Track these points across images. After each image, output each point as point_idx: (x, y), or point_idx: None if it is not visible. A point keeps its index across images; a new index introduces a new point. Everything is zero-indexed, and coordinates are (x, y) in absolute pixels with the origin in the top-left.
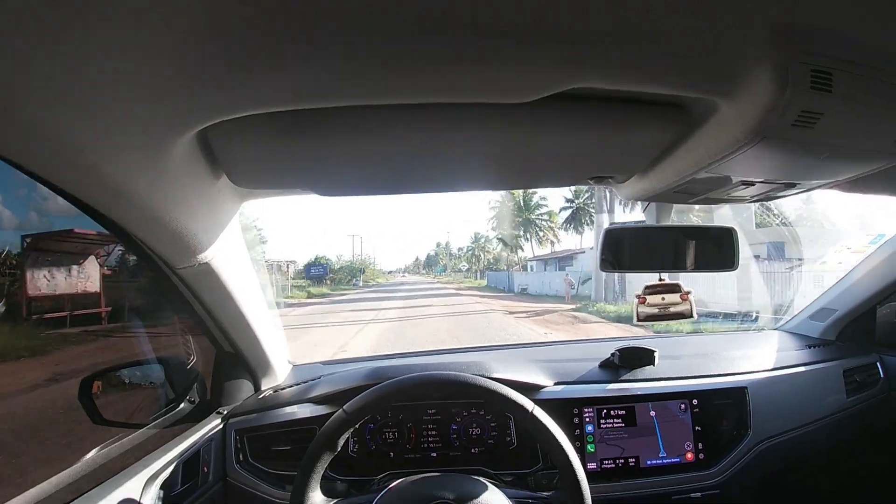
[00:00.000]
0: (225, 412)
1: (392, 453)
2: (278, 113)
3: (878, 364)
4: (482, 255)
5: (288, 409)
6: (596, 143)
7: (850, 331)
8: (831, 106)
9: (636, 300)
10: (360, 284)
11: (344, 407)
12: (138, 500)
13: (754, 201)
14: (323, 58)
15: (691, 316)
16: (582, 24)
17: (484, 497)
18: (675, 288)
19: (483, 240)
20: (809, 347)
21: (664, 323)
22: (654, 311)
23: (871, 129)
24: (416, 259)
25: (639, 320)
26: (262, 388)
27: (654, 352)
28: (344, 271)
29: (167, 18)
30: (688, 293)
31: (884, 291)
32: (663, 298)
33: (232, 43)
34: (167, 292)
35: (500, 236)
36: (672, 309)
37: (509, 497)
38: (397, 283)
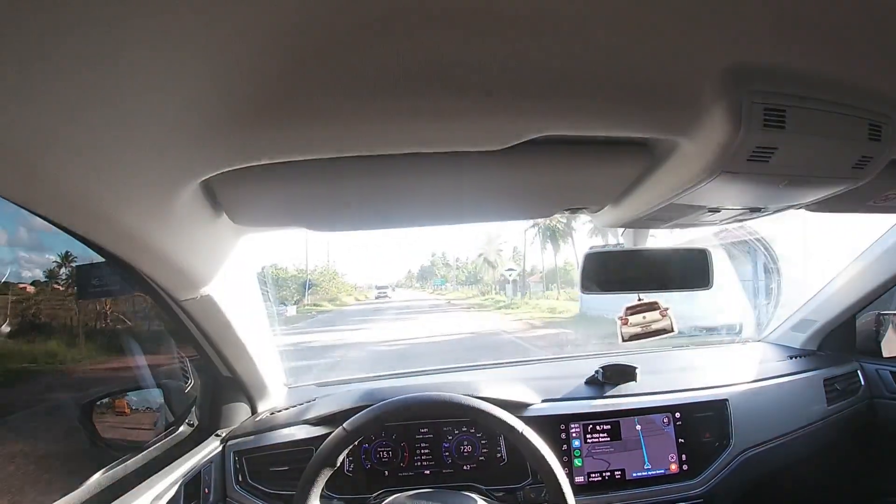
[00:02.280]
0: (224, 434)
1: (387, 472)
2: (276, 162)
3: (858, 372)
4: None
5: (285, 431)
6: (566, 180)
7: (831, 340)
8: (785, 140)
9: (619, 321)
10: (286, 311)
11: (344, 425)
12: None
13: (725, 224)
14: (319, 117)
15: (672, 331)
16: (546, 78)
17: None
18: (653, 306)
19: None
20: (791, 358)
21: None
22: (637, 329)
23: (826, 157)
24: (409, 272)
25: (623, 340)
26: (259, 410)
27: (635, 368)
28: (289, 285)
29: (177, 82)
30: (666, 309)
31: (862, 301)
32: (644, 317)
33: (236, 103)
34: (169, 321)
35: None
36: (654, 326)
37: None
38: (371, 308)
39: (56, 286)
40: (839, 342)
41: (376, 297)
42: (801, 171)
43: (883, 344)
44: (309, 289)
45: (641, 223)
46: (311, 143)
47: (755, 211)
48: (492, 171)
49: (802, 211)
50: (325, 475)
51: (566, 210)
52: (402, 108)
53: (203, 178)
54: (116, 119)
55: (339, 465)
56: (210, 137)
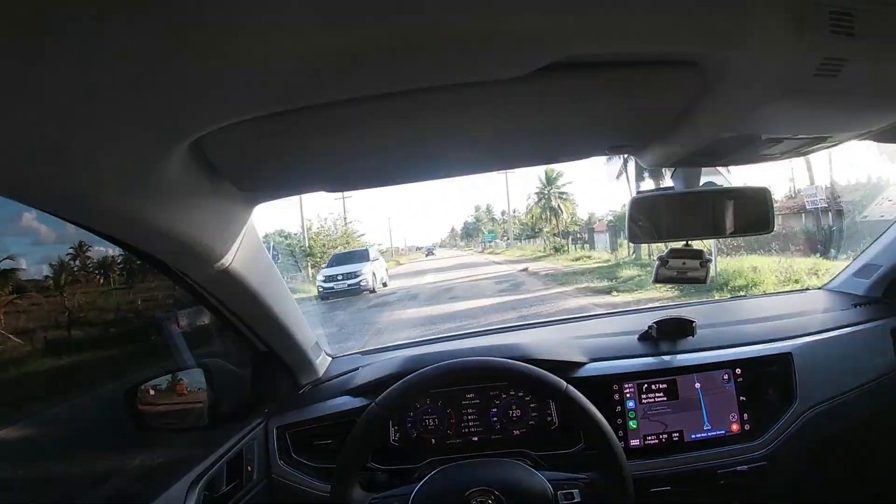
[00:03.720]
0: (266, 410)
1: (433, 440)
2: (269, 115)
3: None
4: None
5: (327, 403)
6: (608, 112)
7: None
8: (856, 50)
9: (657, 262)
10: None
11: (375, 401)
12: (183, 501)
13: (784, 158)
14: (306, 52)
15: (705, 282)
16: None
17: (522, 481)
18: (698, 254)
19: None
20: (855, 307)
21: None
22: (673, 273)
23: None
24: (452, 230)
25: (655, 281)
26: (302, 383)
27: (693, 322)
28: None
29: (138, 24)
30: (707, 261)
31: None
32: (684, 263)
33: (210, 49)
34: (195, 300)
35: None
36: (689, 274)
37: (549, 479)
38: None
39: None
40: None
41: (426, 255)
42: (874, 89)
43: None
44: (304, 259)
45: (692, 160)
46: (300, 87)
47: (819, 140)
48: (521, 104)
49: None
50: (363, 455)
51: (608, 149)
52: (413, 31)
53: (189, 140)
54: (71, 74)
55: (376, 442)
56: (182, 93)
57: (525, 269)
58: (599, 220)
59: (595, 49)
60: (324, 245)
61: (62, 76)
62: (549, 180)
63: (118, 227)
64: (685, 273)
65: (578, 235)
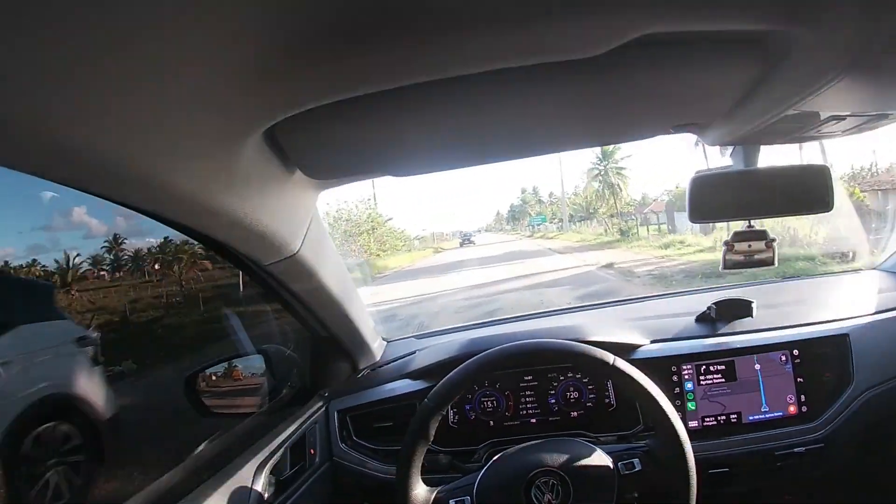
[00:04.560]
0: (326, 394)
1: (492, 422)
2: (343, 100)
3: None
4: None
5: (387, 386)
6: (673, 90)
7: None
8: None
9: (724, 247)
10: None
11: (426, 398)
12: (250, 486)
13: (846, 135)
14: (381, 39)
15: (773, 264)
16: None
17: (583, 457)
18: (762, 235)
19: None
20: None
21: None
22: (740, 258)
23: None
24: (497, 214)
25: (724, 268)
26: (360, 367)
27: (751, 302)
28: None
29: (217, 20)
30: (773, 241)
31: None
32: (750, 245)
33: (289, 37)
34: (259, 287)
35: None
36: (756, 256)
37: (609, 452)
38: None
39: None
40: None
41: (461, 244)
42: None
43: None
44: None
45: (755, 138)
46: (376, 72)
47: (882, 117)
48: (589, 83)
49: None
50: (422, 451)
51: (672, 128)
52: (483, 15)
53: (264, 128)
54: (152, 76)
55: (432, 435)
56: (262, 80)
57: (610, 266)
58: (656, 200)
59: (672, 27)
60: (345, 232)
61: (141, 60)
62: (606, 155)
63: (191, 216)
64: (752, 256)
65: (647, 215)
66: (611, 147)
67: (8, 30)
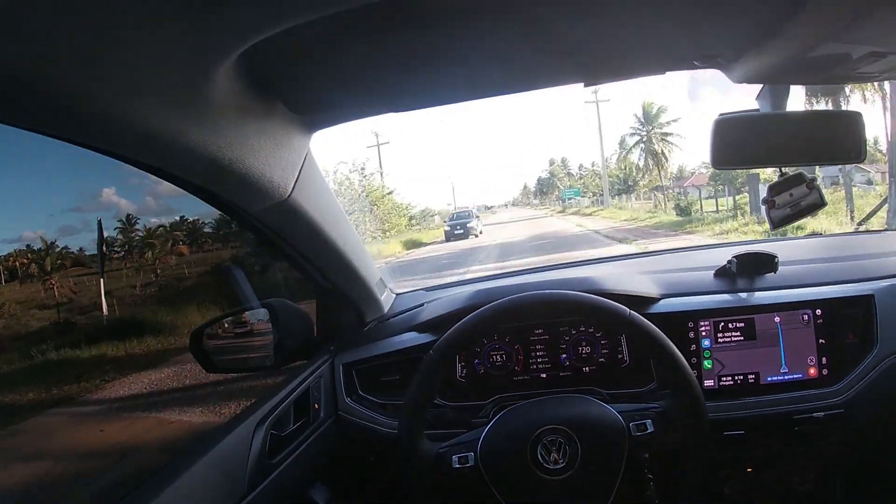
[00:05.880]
0: (332, 348)
1: (501, 377)
2: (326, 23)
3: None
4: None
5: (394, 339)
6: (699, 16)
7: None
8: None
9: (764, 206)
10: None
11: (431, 350)
12: (250, 442)
13: (883, 78)
14: None
15: (824, 204)
16: None
17: (592, 415)
18: (800, 178)
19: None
20: None
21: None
22: (787, 211)
23: None
24: (524, 187)
25: (774, 227)
26: (367, 320)
27: (774, 257)
28: None
29: None
30: (813, 180)
31: None
32: (791, 194)
33: None
34: (254, 236)
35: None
36: (803, 203)
37: (620, 412)
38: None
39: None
40: None
41: (447, 238)
42: None
43: None
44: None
45: (786, 76)
46: None
47: None
48: (604, 6)
49: None
50: (426, 403)
51: (696, 60)
52: None
53: (236, 52)
54: None
55: (436, 391)
56: None
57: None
58: (695, 173)
59: None
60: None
61: None
62: (649, 118)
63: (162, 156)
64: (798, 204)
65: (687, 189)
66: (655, 108)
67: None
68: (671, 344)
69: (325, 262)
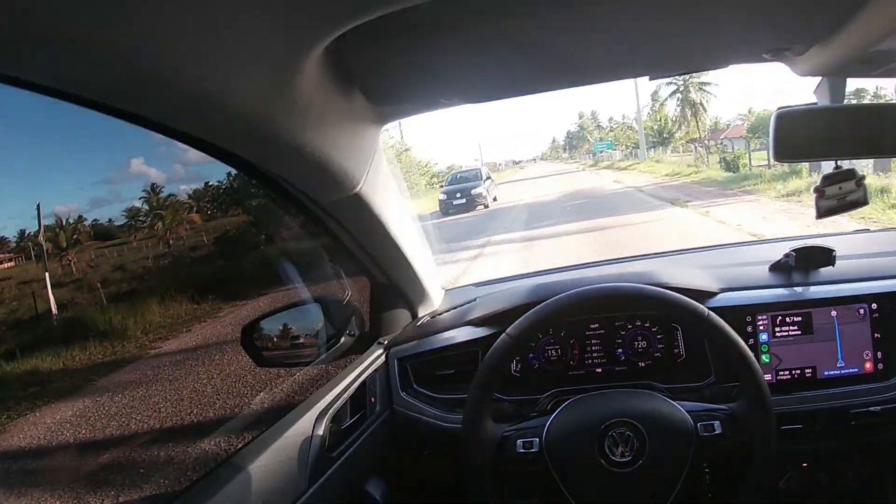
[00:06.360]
0: (386, 342)
1: (556, 371)
2: (411, 14)
3: None
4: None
5: (448, 334)
6: (770, 6)
7: None
8: None
9: (815, 195)
10: None
11: (507, 331)
12: (311, 434)
13: None
14: None
15: (866, 202)
16: None
17: (662, 411)
18: (851, 174)
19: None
20: None
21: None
22: (833, 203)
23: None
24: (553, 141)
25: (819, 216)
26: (420, 315)
27: (832, 251)
28: None
29: None
30: (862, 178)
31: None
32: (840, 188)
33: None
34: (315, 229)
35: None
36: (849, 198)
37: (689, 411)
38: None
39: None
40: None
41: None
42: None
43: None
44: None
45: (850, 69)
46: None
47: None
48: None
49: None
50: (495, 385)
51: (764, 53)
52: None
53: (327, 41)
54: None
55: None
56: None
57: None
58: (730, 126)
59: None
60: None
61: None
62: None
63: (245, 144)
64: (845, 198)
65: (722, 143)
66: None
67: None
68: (746, 347)
69: (384, 256)
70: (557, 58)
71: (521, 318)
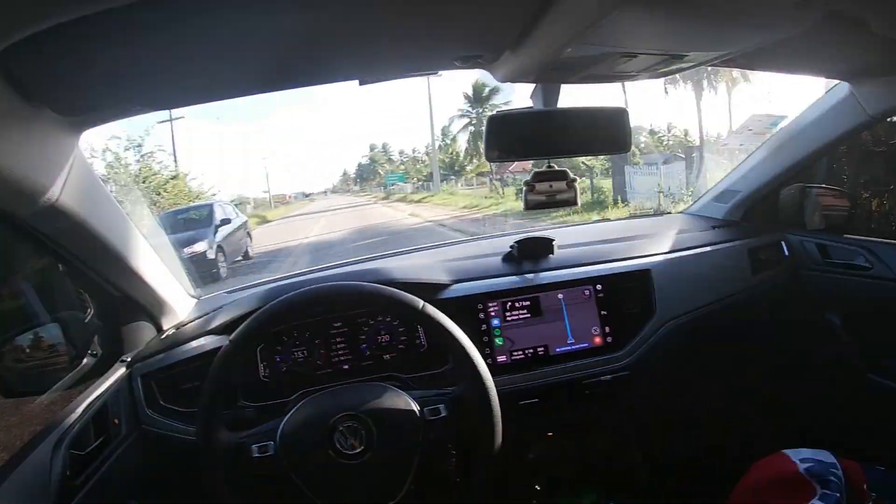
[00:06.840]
0: (129, 359)
1: (304, 372)
2: (83, 24)
3: (782, 243)
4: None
5: (192, 345)
6: (453, 19)
7: (754, 212)
8: None
9: (525, 188)
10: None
11: (231, 337)
12: (49, 466)
13: (643, 77)
14: None
15: (575, 203)
16: None
17: (386, 402)
18: (563, 175)
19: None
20: (714, 228)
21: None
22: (542, 198)
23: None
24: (344, 174)
25: (527, 208)
26: (164, 327)
27: (552, 240)
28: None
29: None
30: (573, 181)
31: (787, 172)
32: (551, 186)
33: None
34: (30, 245)
35: None
36: (559, 196)
37: (416, 398)
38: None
39: None
40: (762, 215)
41: None
42: (727, 4)
43: (806, 217)
44: None
45: (549, 76)
46: None
47: (675, 58)
48: (357, 6)
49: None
50: (224, 394)
51: (457, 60)
52: None
53: None
54: None
55: (235, 380)
56: None
57: None
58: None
59: None
60: None
61: None
62: (480, 98)
63: None
64: (554, 196)
65: (505, 177)
66: (486, 88)
67: None
68: (462, 333)
69: (108, 268)
70: (252, 60)
71: (242, 325)
